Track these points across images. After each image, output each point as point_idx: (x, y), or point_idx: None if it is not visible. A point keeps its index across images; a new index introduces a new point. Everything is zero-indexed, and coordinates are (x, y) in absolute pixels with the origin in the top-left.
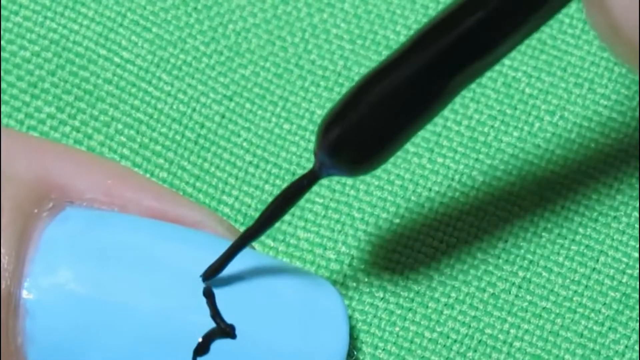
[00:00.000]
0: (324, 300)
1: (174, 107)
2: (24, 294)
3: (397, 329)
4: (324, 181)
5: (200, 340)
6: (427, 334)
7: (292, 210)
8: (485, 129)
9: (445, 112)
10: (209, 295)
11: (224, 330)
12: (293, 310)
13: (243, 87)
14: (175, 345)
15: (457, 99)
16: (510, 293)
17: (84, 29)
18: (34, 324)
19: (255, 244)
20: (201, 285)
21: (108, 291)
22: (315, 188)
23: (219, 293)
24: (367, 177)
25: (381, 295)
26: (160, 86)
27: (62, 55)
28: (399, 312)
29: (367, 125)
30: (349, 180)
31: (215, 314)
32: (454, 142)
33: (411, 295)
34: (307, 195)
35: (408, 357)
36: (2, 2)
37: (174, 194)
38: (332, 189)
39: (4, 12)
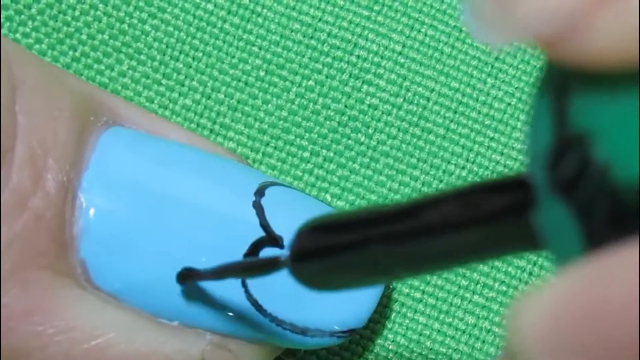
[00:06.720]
0: None
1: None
2: (83, 184)
3: (407, 321)
4: (341, 160)
5: (249, 246)
6: (436, 325)
7: (311, 192)
8: (502, 106)
9: (462, 88)
10: (258, 207)
11: (273, 238)
12: None
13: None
14: (225, 248)
15: (475, 74)
16: (521, 280)
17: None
18: (90, 214)
19: None
20: (251, 199)
21: (163, 188)
22: (328, 174)
23: (268, 209)
24: (385, 158)
25: (392, 285)
26: (173, 77)
27: (77, 49)
28: (409, 303)
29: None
30: (362, 166)
31: (265, 223)
32: (470, 119)
33: (422, 286)
34: (318, 184)
35: (416, 349)
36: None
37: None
38: (344, 176)
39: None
